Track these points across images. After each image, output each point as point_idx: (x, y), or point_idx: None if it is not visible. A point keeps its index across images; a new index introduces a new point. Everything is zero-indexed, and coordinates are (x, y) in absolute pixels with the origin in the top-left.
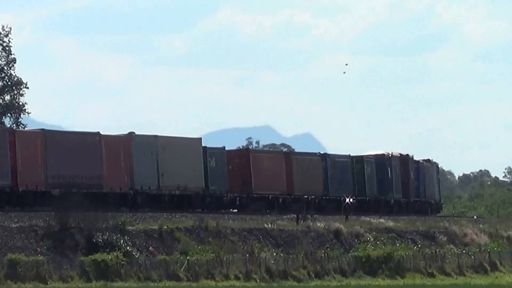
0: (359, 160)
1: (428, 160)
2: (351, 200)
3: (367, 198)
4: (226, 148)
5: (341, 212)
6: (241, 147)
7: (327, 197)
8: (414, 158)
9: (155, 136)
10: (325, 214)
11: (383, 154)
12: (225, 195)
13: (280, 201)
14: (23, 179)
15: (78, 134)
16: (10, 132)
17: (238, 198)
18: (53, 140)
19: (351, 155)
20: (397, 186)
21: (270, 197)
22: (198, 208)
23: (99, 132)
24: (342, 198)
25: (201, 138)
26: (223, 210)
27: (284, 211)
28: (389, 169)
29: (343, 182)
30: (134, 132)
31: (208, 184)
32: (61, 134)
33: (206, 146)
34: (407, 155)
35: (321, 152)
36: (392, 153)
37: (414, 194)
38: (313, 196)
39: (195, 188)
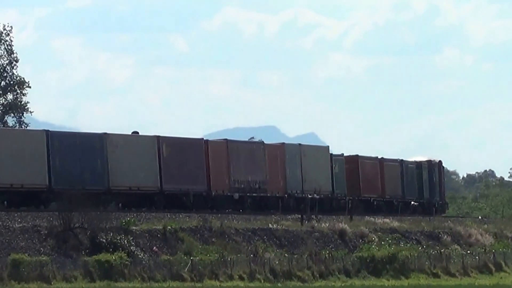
0: (419, 166)
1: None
2: (415, 203)
3: (424, 201)
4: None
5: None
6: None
7: (403, 200)
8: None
9: (300, 145)
10: (401, 215)
11: (431, 160)
12: (344, 198)
13: (375, 203)
14: (215, 184)
15: (249, 143)
16: (205, 142)
17: (349, 201)
18: (233, 149)
19: (416, 160)
20: (437, 189)
21: (372, 200)
22: (327, 210)
23: (263, 141)
24: (410, 200)
25: (328, 146)
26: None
27: (379, 212)
28: (433, 174)
29: (411, 186)
30: (138, 132)
31: (334, 188)
32: (238, 143)
33: (331, 153)
34: (440, 161)
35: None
36: (435, 159)
37: (443, 196)
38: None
39: (326, 192)
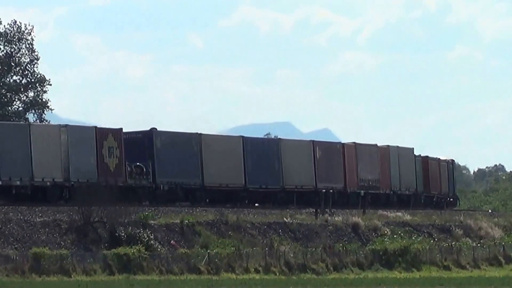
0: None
1: None
2: (450, 199)
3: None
4: None
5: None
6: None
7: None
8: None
9: (397, 147)
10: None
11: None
12: (422, 194)
13: (435, 199)
14: (349, 183)
15: (368, 146)
16: (341, 145)
17: (423, 197)
18: (360, 150)
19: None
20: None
21: (435, 196)
22: (414, 205)
23: (376, 145)
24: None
25: (413, 148)
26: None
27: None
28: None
29: (451, 183)
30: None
31: (417, 185)
32: (363, 146)
33: (415, 155)
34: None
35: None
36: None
37: None
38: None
39: (413, 189)
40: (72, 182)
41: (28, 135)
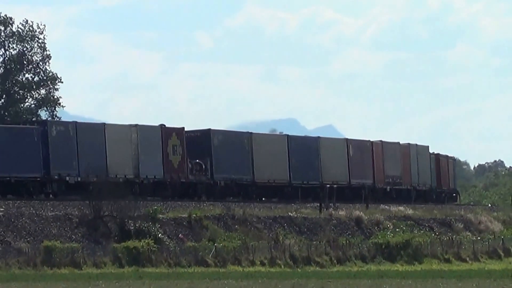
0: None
1: None
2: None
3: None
4: None
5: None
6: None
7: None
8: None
9: (416, 145)
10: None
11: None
12: (434, 189)
13: (443, 194)
14: (377, 179)
15: (392, 144)
16: (370, 143)
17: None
18: (386, 148)
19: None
20: None
21: (445, 191)
22: (430, 200)
23: (399, 143)
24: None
25: (428, 146)
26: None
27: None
28: None
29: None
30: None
31: (431, 181)
32: (388, 144)
33: (432, 152)
34: None
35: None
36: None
37: None
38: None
39: (428, 185)
40: (142, 178)
41: (103, 134)
